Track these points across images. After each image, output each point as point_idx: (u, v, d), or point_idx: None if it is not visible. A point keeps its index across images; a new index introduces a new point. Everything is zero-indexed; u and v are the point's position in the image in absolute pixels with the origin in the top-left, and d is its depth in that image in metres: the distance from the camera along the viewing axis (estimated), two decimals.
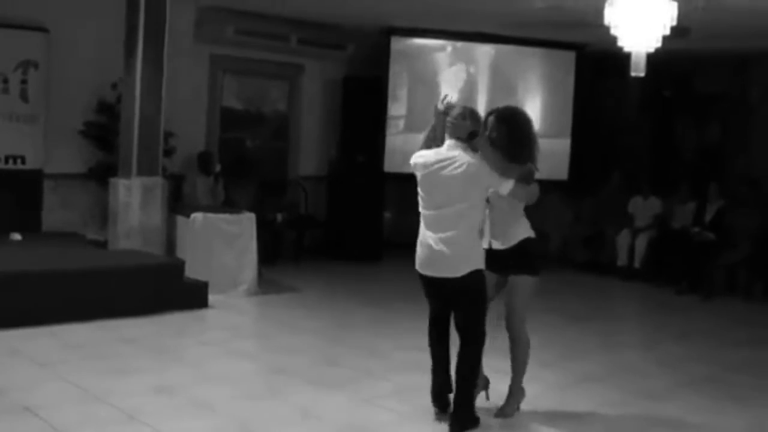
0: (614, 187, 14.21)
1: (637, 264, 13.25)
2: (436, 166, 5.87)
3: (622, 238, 13.42)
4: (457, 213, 5.80)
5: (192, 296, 9.61)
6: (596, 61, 14.20)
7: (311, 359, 7.75)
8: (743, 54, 13.17)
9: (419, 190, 5.99)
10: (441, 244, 5.82)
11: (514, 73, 14.39)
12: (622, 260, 13.41)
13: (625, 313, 11.92)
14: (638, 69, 9.53)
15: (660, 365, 8.24)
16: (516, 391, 6.33)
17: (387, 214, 14.11)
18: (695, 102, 14.64)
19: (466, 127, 5.89)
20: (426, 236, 5.93)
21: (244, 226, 10.63)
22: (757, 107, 13.89)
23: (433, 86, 13.93)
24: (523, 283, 6.12)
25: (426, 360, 6.28)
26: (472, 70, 14.21)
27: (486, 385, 6.45)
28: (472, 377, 5.98)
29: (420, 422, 6.08)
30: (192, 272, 9.92)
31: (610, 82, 14.41)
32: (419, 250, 5.99)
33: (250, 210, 11.13)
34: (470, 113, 5.99)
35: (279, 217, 12.99)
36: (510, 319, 6.20)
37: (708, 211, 12.74)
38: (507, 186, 5.85)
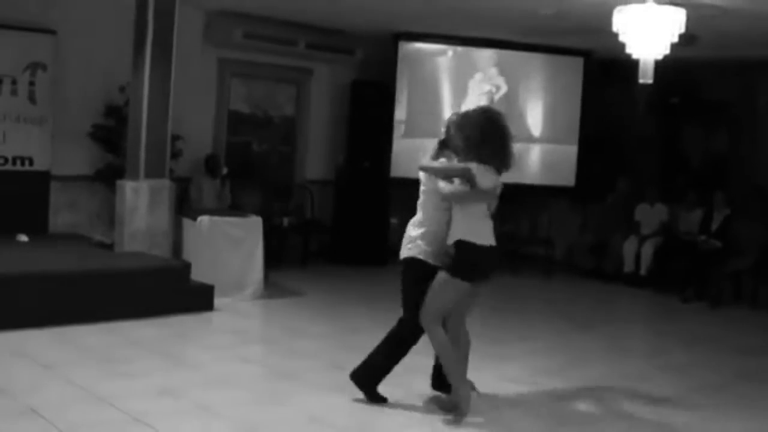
0: (621, 194, 14.20)
1: (643, 271, 13.23)
2: None
3: (629, 245, 13.40)
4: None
5: (198, 299, 9.62)
6: (604, 68, 14.19)
7: (317, 363, 7.75)
8: (751, 62, 13.15)
9: None
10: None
11: (521, 79, 14.37)
12: (628, 267, 13.39)
13: (631, 320, 11.90)
14: (646, 76, 9.54)
15: (666, 372, 8.23)
16: (458, 389, 6.21)
17: (393, 220, 14.09)
18: (702, 109, 14.61)
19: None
20: None
21: (250, 230, 10.64)
22: (764, 115, 13.86)
23: (439, 91, 13.93)
24: (438, 277, 6.15)
25: (430, 363, 6.32)
26: (486, 73, 14.20)
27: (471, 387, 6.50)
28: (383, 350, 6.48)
29: (428, 426, 6.08)
30: (198, 275, 9.92)
31: (618, 89, 14.39)
32: None
33: (257, 213, 11.14)
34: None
35: (285, 221, 13.00)
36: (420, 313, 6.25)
37: (714, 219, 12.74)
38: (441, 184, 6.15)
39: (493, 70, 14.20)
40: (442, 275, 6.10)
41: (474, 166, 6.03)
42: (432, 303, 6.13)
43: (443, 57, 14.11)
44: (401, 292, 6.45)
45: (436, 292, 6.11)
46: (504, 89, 14.24)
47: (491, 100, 13.92)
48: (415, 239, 6.34)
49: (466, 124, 6.20)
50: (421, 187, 6.41)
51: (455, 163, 6.23)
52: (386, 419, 6.21)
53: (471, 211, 6.09)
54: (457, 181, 6.09)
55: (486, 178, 6.06)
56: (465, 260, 6.06)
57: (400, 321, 6.45)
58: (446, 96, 13.96)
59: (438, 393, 6.64)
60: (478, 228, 6.11)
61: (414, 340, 6.45)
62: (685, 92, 14.51)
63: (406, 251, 6.40)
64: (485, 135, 6.10)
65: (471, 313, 6.61)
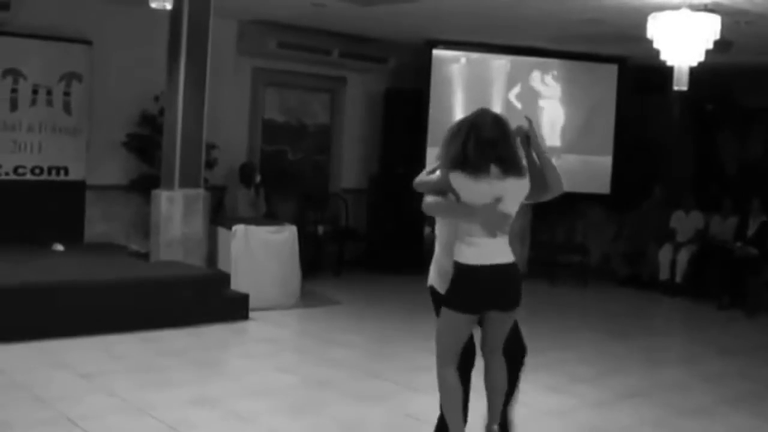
0: (656, 202, 14.12)
1: (678, 279, 13.15)
2: None
3: (664, 253, 13.32)
4: None
5: (233, 308, 9.65)
6: (638, 75, 14.12)
7: (353, 373, 7.74)
8: None
9: None
10: None
11: (556, 86, 14.33)
12: (663, 275, 13.31)
13: (667, 329, 11.83)
14: (681, 83, 9.50)
15: (702, 382, 8.16)
16: None
17: (427, 228, 14.06)
18: (738, 116, 14.53)
19: None
20: None
21: (285, 239, 10.66)
22: None
23: (473, 98, 13.91)
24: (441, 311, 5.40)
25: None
26: (520, 81, 14.18)
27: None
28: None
29: None
30: (234, 284, 9.97)
31: (652, 96, 14.33)
32: None
33: (292, 222, 11.16)
34: None
35: (320, 229, 13.01)
36: None
37: (750, 226, 12.66)
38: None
39: (533, 75, 14.18)
40: (442, 309, 5.34)
41: (452, 175, 5.17)
42: (438, 344, 5.36)
43: (476, 65, 14.09)
44: None
45: (438, 331, 5.36)
46: (541, 92, 14.22)
47: (536, 104, 13.97)
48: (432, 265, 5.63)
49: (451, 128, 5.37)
50: None
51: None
52: (423, 429, 6.18)
53: (463, 228, 5.21)
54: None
55: (476, 188, 5.12)
56: (456, 286, 5.24)
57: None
58: (479, 103, 13.91)
59: None
60: (468, 244, 5.19)
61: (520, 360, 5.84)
62: (720, 99, 14.43)
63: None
64: (454, 136, 5.24)
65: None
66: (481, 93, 13.98)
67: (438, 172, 5.37)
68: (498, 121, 5.23)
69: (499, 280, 5.25)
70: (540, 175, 5.35)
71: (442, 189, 5.27)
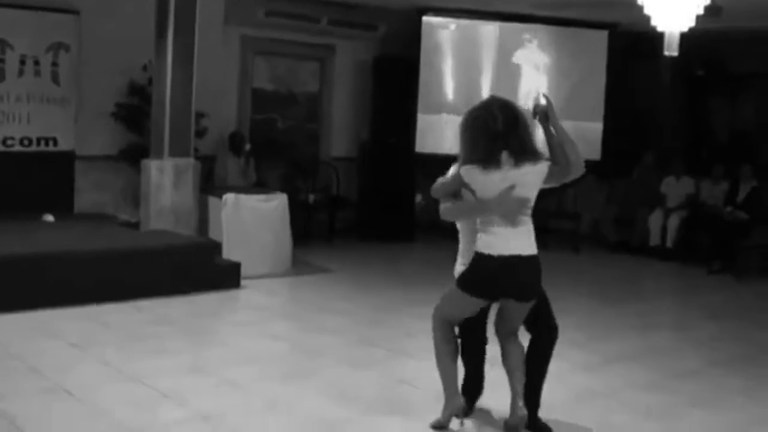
0: (647, 168, 14.13)
1: (669, 244, 13.19)
2: None
3: (655, 219, 13.35)
4: None
5: (225, 277, 9.65)
6: (629, 41, 14.08)
7: (345, 340, 7.75)
8: None
9: None
10: None
11: (546, 53, 14.30)
12: (654, 240, 13.35)
13: (658, 293, 11.86)
14: (671, 48, 9.46)
15: (692, 345, 8.20)
16: (446, 399, 5.55)
17: (418, 196, 14.07)
18: (728, 82, 14.51)
19: None
20: None
21: (276, 207, 10.65)
22: None
23: (464, 65, 13.89)
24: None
25: None
26: (509, 48, 14.14)
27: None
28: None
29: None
30: (225, 253, 9.97)
31: (643, 62, 14.30)
32: None
33: (282, 191, 11.15)
34: None
35: (311, 198, 13.00)
36: None
37: (741, 191, 12.69)
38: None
39: (523, 41, 14.15)
40: (452, 287, 5.46)
41: (463, 170, 5.22)
42: (442, 306, 5.53)
43: (466, 31, 14.04)
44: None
45: (445, 297, 5.53)
46: (531, 59, 14.20)
47: (526, 71, 13.95)
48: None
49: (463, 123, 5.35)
50: None
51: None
52: (415, 395, 6.20)
53: (480, 223, 5.24)
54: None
55: (488, 180, 5.14)
56: (471, 271, 5.30)
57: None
58: (470, 70, 13.91)
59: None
60: (486, 235, 5.20)
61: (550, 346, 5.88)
62: (711, 65, 14.40)
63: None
64: (464, 131, 5.27)
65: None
66: (472, 60, 13.96)
67: (451, 171, 5.43)
68: (505, 110, 5.23)
69: (513, 272, 5.25)
70: (561, 152, 5.33)
71: (456, 188, 5.32)
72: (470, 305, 5.40)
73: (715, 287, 11.39)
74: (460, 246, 5.55)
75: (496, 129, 5.12)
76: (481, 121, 5.18)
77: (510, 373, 5.53)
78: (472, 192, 5.22)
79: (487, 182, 5.13)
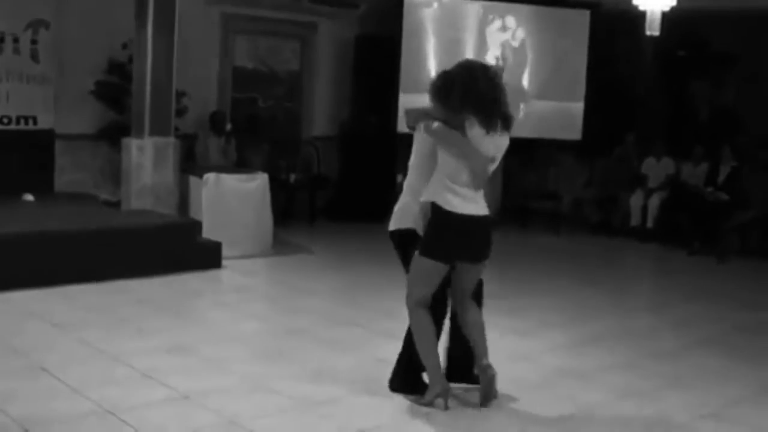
0: (627, 148, 14.15)
1: (649, 224, 13.23)
2: None
3: (635, 199, 13.39)
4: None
5: (206, 257, 9.64)
6: (611, 21, 14.08)
7: (325, 320, 7.76)
8: (759, 13, 13.03)
9: None
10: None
11: (528, 31, 14.28)
12: (635, 221, 13.40)
13: (638, 274, 11.91)
14: (653, 28, 9.50)
15: (671, 326, 8.25)
16: (430, 378, 5.56)
17: (399, 176, 14.03)
18: (710, 62, 14.53)
19: None
20: None
21: (257, 186, 10.63)
22: None
23: (445, 44, 13.86)
24: (414, 256, 5.43)
25: None
26: (490, 26, 14.11)
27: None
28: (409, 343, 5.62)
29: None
30: (205, 232, 9.96)
31: (625, 42, 14.30)
32: None
33: (263, 170, 11.13)
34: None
35: (292, 177, 12.97)
36: None
37: (721, 171, 12.72)
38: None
39: (505, 20, 14.12)
40: (415, 254, 5.39)
41: (468, 117, 5.23)
42: (412, 285, 5.46)
43: (448, 9, 14.01)
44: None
45: (412, 274, 5.46)
46: (513, 38, 14.18)
47: (509, 49, 13.93)
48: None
49: (447, 80, 5.43)
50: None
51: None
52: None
53: (450, 172, 5.26)
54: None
55: (483, 140, 5.24)
56: (436, 233, 5.30)
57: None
58: (452, 49, 13.88)
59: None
60: (451, 190, 5.27)
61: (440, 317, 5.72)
62: (693, 45, 14.41)
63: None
64: (465, 85, 5.29)
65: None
66: (454, 38, 13.94)
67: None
68: (497, 76, 5.45)
69: (478, 231, 5.41)
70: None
71: (445, 119, 5.33)
72: (435, 276, 5.39)
73: (695, 268, 11.44)
74: (409, 181, 5.62)
75: (498, 97, 5.30)
76: (492, 82, 5.34)
77: (473, 328, 5.61)
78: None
79: (484, 144, 5.27)
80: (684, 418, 5.63)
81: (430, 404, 5.50)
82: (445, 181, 5.28)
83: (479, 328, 5.61)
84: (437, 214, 5.28)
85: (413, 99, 13.55)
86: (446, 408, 5.47)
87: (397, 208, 5.65)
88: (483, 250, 5.49)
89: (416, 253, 5.38)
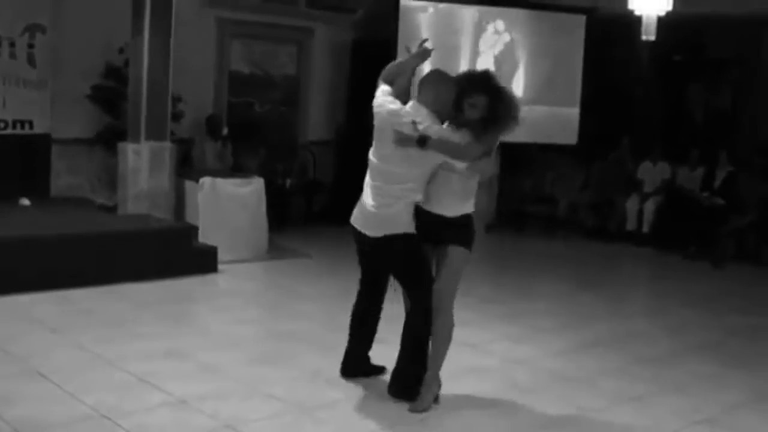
0: (623, 152, 14.16)
1: (645, 229, 13.25)
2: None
3: (631, 203, 13.41)
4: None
5: (202, 261, 9.64)
6: (606, 25, 14.10)
7: (321, 324, 7.77)
8: (755, 18, 13.06)
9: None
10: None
11: (523, 36, 14.30)
12: (630, 225, 13.41)
13: (633, 279, 11.92)
14: (649, 33, 9.52)
15: (666, 331, 8.27)
16: (430, 382, 5.66)
17: None
18: (706, 67, 14.56)
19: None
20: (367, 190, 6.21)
21: (253, 191, 10.64)
22: None
23: (441, 49, 13.85)
24: (457, 253, 5.62)
25: None
26: (486, 32, 14.12)
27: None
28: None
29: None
30: (201, 237, 9.96)
31: (621, 47, 14.32)
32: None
33: (259, 175, 11.13)
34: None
35: (287, 182, 12.97)
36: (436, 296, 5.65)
37: (717, 176, 12.74)
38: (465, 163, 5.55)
39: (501, 25, 14.12)
40: (461, 250, 5.59)
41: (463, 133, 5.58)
42: (453, 284, 5.60)
43: (444, 14, 14.01)
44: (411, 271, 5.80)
45: (457, 271, 5.60)
46: (509, 43, 14.19)
47: (504, 54, 13.95)
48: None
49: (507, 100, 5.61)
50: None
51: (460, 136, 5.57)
52: (388, 376, 6.22)
53: (473, 183, 5.72)
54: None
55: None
56: (471, 229, 5.68)
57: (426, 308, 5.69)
58: (447, 54, 13.89)
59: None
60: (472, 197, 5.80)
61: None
62: (689, 49, 14.44)
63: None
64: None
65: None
66: (449, 43, 13.92)
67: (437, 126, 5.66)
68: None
69: None
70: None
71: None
72: None
73: (691, 273, 11.46)
74: (401, 188, 5.84)
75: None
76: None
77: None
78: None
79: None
80: (678, 424, 5.66)
81: (428, 409, 5.54)
82: (471, 188, 5.74)
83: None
84: (470, 217, 5.71)
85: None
86: (438, 403, 5.68)
87: (387, 215, 5.88)
88: None
89: (464, 251, 5.62)
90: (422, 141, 5.50)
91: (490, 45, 14.11)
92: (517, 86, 13.92)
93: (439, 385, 5.70)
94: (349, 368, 6.21)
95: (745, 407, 6.11)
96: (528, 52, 14.31)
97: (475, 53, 13.93)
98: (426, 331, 5.64)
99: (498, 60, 13.99)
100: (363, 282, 6.39)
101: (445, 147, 5.49)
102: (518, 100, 5.69)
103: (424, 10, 13.92)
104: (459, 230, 5.65)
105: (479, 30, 14.08)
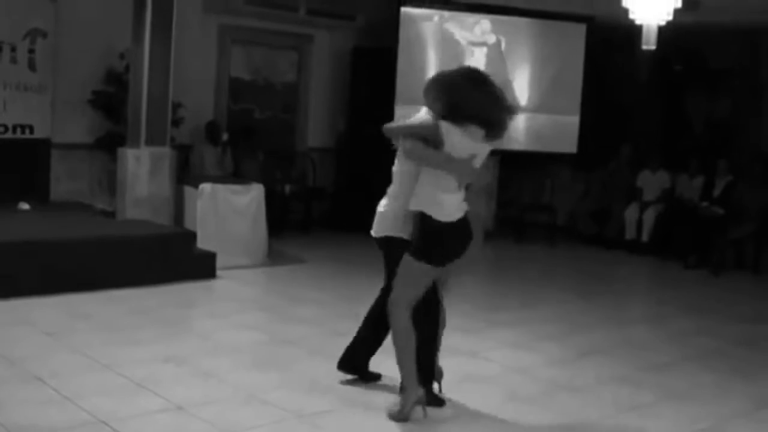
0: (623, 161, 14.17)
1: (645, 238, 13.25)
2: None
3: (631, 212, 13.41)
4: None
5: (200, 267, 9.63)
6: (606, 34, 14.12)
7: (320, 330, 7.76)
8: (755, 28, 13.08)
9: None
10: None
11: (523, 45, 14.30)
12: (630, 234, 13.41)
13: (633, 287, 11.92)
14: (649, 42, 9.51)
15: (666, 339, 8.25)
16: (405, 389, 5.53)
17: None
18: (706, 76, 14.57)
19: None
20: None
21: (252, 197, 10.63)
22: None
23: (442, 57, 13.87)
24: (404, 259, 5.47)
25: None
26: (487, 40, 14.13)
27: (439, 376, 5.87)
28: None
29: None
30: (200, 242, 9.95)
31: (621, 56, 14.34)
32: None
33: (259, 181, 11.13)
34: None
35: (287, 188, 12.97)
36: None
37: (717, 185, 12.75)
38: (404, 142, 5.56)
39: (494, 36, 14.13)
40: (406, 257, 5.44)
41: (444, 125, 5.32)
42: (402, 290, 5.48)
43: (445, 23, 14.03)
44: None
45: (403, 278, 5.46)
46: (515, 51, 14.19)
47: (505, 63, 13.95)
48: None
49: (442, 84, 5.53)
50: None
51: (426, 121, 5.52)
52: (390, 387, 6.21)
53: (437, 181, 5.37)
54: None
55: (461, 143, 5.31)
56: (434, 240, 5.39)
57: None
58: (448, 63, 13.89)
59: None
60: (441, 200, 5.38)
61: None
62: (689, 59, 14.46)
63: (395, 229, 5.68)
64: (462, 93, 5.37)
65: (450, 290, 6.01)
66: (450, 51, 13.93)
67: (418, 116, 5.61)
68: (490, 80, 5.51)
69: (467, 231, 5.51)
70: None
71: (424, 135, 5.42)
72: (428, 278, 5.49)
73: (691, 282, 11.45)
74: (395, 188, 5.72)
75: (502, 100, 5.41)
76: (492, 87, 5.42)
77: (442, 326, 5.83)
78: (436, 146, 5.36)
79: (462, 144, 5.33)
80: None
81: (408, 416, 5.46)
82: (433, 191, 5.39)
83: (444, 325, 5.82)
84: (429, 223, 5.38)
85: (408, 112, 13.60)
86: (426, 416, 5.49)
87: (382, 213, 5.79)
88: (468, 244, 5.57)
89: (407, 256, 5.45)
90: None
91: (490, 54, 14.11)
92: (519, 95, 13.92)
93: (421, 396, 5.49)
94: (347, 364, 6.19)
95: (746, 416, 6.10)
96: (528, 60, 14.33)
97: (475, 62, 13.89)
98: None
99: (497, 68, 13.97)
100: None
101: (407, 129, 5.63)
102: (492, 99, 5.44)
103: (426, 18, 13.94)
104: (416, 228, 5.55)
105: (479, 39, 14.09)
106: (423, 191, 5.42)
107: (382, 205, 5.80)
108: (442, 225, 5.37)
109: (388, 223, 5.71)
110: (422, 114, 5.64)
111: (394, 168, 5.78)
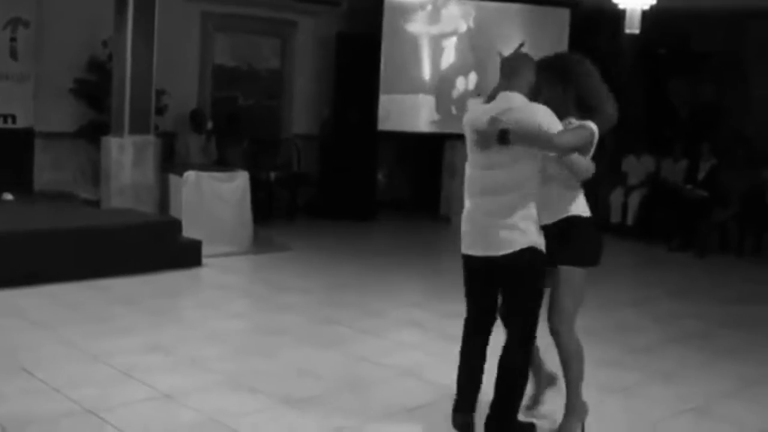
0: (607, 145, 14.14)
1: (629, 221, 13.26)
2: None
3: (615, 196, 13.42)
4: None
5: (186, 255, 9.60)
6: (591, 19, 14.11)
7: (306, 318, 7.74)
8: (739, 11, 13.09)
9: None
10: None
11: (506, 31, 14.28)
12: (615, 217, 13.41)
13: (618, 270, 11.90)
14: (633, 26, 9.52)
15: (652, 321, 8.27)
16: (573, 407, 5.32)
17: (380, 174, 14.07)
18: (690, 60, 14.58)
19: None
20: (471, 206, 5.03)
21: (237, 185, 10.61)
22: (752, 66, 13.84)
23: (425, 44, 13.85)
24: (572, 273, 5.17)
25: (420, 315, 6.26)
26: (471, 27, 14.11)
27: (551, 381, 5.72)
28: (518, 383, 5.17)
29: (416, 378, 6.09)
30: (185, 231, 9.91)
31: (605, 40, 14.33)
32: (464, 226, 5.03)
33: (243, 168, 11.11)
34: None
35: (272, 175, 12.95)
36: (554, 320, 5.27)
37: (700, 169, 12.78)
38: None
39: (473, 24, 14.11)
40: (568, 269, 5.12)
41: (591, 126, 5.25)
42: (572, 306, 5.25)
43: (430, 8, 14.00)
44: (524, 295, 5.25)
45: (572, 292, 5.21)
46: (498, 36, 14.17)
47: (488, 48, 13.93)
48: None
49: (562, 70, 5.41)
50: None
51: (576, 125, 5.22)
52: (377, 372, 6.22)
53: (569, 182, 5.29)
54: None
55: None
56: (594, 241, 5.25)
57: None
58: (433, 48, 13.88)
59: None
60: (582, 199, 5.31)
61: None
62: (673, 43, 14.46)
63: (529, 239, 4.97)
64: (593, 82, 5.40)
65: None
66: (433, 38, 13.93)
67: (577, 124, 5.29)
68: None
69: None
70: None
71: (587, 142, 5.28)
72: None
73: (676, 264, 11.50)
74: (522, 195, 5.02)
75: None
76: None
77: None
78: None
79: None
80: (666, 413, 5.66)
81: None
82: (575, 192, 5.41)
83: None
84: (586, 224, 5.26)
85: (392, 99, 13.59)
86: None
87: (513, 224, 4.95)
88: None
89: (568, 268, 5.13)
90: (503, 135, 4.84)
91: (474, 39, 14.09)
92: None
93: (586, 411, 5.36)
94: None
95: (733, 396, 6.13)
96: (512, 46, 14.26)
97: (458, 47, 13.93)
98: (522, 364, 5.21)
99: (479, 54, 13.96)
100: None
101: (529, 136, 4.90)
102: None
103: (409, 3, 13.90)
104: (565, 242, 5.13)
105: (463, 25, 14.07)
106: (566, 194, 5.26)
107: (507, 216, 4.94)
108: (592, 221, 5.23)
109: (532, 234, 4.99)
110: (523, 102, 5.12)
111: (502, 174, 5.00)
